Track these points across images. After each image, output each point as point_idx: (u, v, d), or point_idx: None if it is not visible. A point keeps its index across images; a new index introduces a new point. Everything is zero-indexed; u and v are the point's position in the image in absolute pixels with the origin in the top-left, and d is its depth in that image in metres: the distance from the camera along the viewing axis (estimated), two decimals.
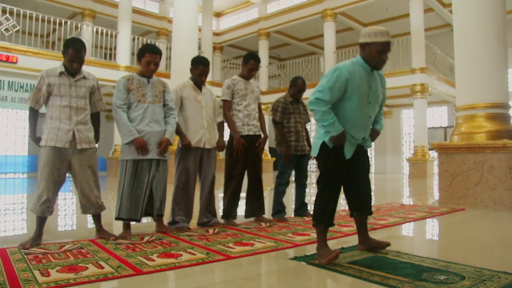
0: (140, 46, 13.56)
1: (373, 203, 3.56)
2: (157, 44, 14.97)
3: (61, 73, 3.33)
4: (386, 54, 2.72)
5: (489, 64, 5.78)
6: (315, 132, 2.95)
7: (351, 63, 2.79)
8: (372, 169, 20.54)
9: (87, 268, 2.49)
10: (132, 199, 3.54)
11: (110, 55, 13.89)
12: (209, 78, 16.03)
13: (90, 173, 3.44)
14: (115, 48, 13.83)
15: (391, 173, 18.54)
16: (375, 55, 2.71)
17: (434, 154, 13.94)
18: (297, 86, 4.73)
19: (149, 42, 14.56)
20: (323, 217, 2.81)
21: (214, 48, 18.63)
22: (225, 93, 4.33)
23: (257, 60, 4.36)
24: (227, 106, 4.33)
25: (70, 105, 3.32)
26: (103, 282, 2.27)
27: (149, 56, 3.59)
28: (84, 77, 3.46)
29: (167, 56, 14.62)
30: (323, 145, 2.82)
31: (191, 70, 4.15)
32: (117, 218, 3.58)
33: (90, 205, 3.45)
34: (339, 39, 16.67)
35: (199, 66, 4.08)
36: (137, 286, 2.26)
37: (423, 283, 2.24)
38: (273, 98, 17.63)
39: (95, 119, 3.63)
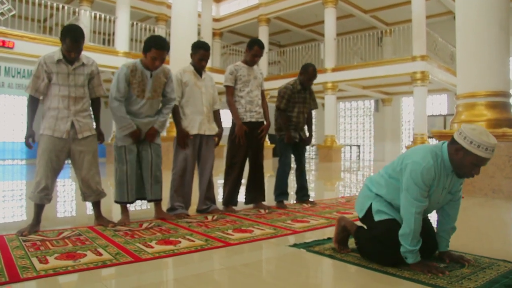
0: (139, 32, 13.37)
1: None
2: (156, 30, 14.87)
3: (59, 61, 3.21)
4: (479, 169, 2.20)
5: (490, 52, 5.73)
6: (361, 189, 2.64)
7: (435, 156, 2.24)
8: (371, 156, 20.57)
9: (85, 255, 2.49)
10: (121, 182, 3.58)
11: (109, 40, 13.78)
12: (208, 64, 15.92)
13: (90, 159, 3.40)
14: (113, 34, 13.72)
15: (390, 161, 18.48)
16: (468, 166, 2.17)
17: (433, 142, 13.94)
18: (308, 74, 4.66)
19: (147, 28, 14.45)
20: None
21: (214, 34, 18.49)
22: (228, 79, 4.29)
23: (261, 47, 4.31)
24: (230, 92, 4.29)
25: (69, 95, 3.25)
26: (101, 269, 2.26)
27: (155, 52, 3.42)
28: (83, 64, 3.33)
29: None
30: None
31: (192, 55, 4.09)
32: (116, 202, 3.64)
33: (91, 192, 3.42)
34: (340, 25, 16.53)
35: (200, 51, 4.02)
36: (136, 273, 2.25)
37: None
38: (273, 84, 17.54)
39: (95, 104, 3.54)
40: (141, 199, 3.75)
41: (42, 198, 3.20)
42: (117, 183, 3.58)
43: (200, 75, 4.11)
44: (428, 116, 14.57)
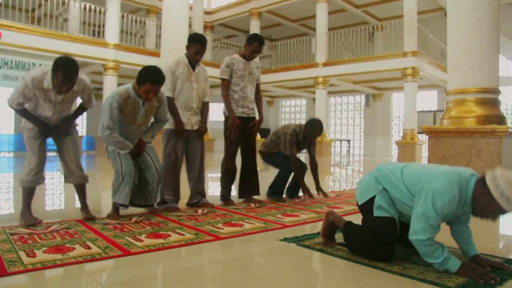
0: (129, 24, 13.24)
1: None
2: (147, 23, 14.74)
3: (48, 89, 3.05)
4: (496, 218, 2.12)
5: (481, 49, 5.76)
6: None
7: (460, 188, 2.11)
8: (361, 151, 20.66)
9: (74, 248, 2.46)
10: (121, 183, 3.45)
11: (99, 32, 13.64)
12: None
13: (71, 143, 3.37)
14: (103, 25, 13.57)
15: (380, 156, 18.64)
16: (488, 212, 2.09)
17: (423, 137, 14.03)
18: (315, 131, 4.57)
19: (138, 20, 14.32)
20: None
21: (205, 27, 18.38)
22: (223, 72, 4.24)
23: (262, 43, 4.26)
24: (225, 85, 4.25)
25: (52, 116, 3.23)
26: (90, 263, 2.25)
27: (149, 87, 3.25)
28: (73, 91, 3.18)
29: (157, 35, 14.40)
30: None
31: (187, 47, 4.04)
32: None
33: (71, 174, 3.38)
34: (332, 20, 16.51)
35: (196, 45, 3.97)
36: (125, 267, 2.24)
37: (412, 265, 2.25)
38: (264, 78, 17.49)
39: (79, 110, 3.45)
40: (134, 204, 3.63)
41: (36, 180, 3.19)
42: (116, 185, 3.44)
43: (194, 68, 4.07)
44: (418, 111, 14.64)
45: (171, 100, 3.93)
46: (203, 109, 4.20)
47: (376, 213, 2.34)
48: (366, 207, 2.43)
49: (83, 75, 3.21)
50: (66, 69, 2.91)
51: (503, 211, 2.03)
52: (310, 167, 4.71)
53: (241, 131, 4.26)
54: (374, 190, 2.41)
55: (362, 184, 2.53)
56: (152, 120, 3.66)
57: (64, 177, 3.43)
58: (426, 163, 6.06)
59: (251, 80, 4.35)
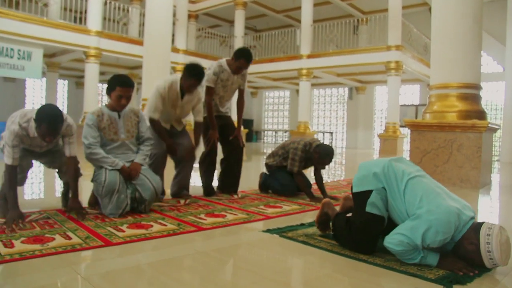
0: (112, 11, 13.02)
1: (343, 177, 3.53)
2: (130, 10, 14.51)
3: (33, 138, 2.92)
4: (471, 267, 2.08)
5: (464, 45, 5.82)
6: None
7: (455, 226, 2.08)
8: (344, 143, 20.79)
9: (54, 239, 2.42)
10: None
11: (80, 19, 13.36)
12: (183, 47, 15.74)
13: (59, 153, 3.28)
14: (85, 12, 13.30)
15: (362, 149, 18.79)
16: (467, 259, 2.10)
17: (405, 131, 14.17)
18: (322, 161, 4.26)
19: (121, 7, 14.08)
20: None
21: (189, 16, 18.15)
22: (210, 80, 4.11)
23: (248, 60, 4.11)
24: (210, 92, 4.13)
25: (40, 150, 3.14)
26: (70, 253, 2.21)
27: (120, 91, 3.16)
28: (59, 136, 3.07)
29: (141, 23, 14.19)
30: None
31: (182, 78, 3.81)
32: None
33: (64, 173, 3.30)
34: (316, 12, 16.47)
35: (192, 80, 3.74)
36: (106, 257, 2.21)
37: (394, 257, 2.26)
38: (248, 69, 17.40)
39: (69, 165, 3.16)
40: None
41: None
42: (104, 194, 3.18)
43: (183, 96, 3.88)
44: (401, 105, 14.78)
45: (156, 123, 3.77)
46: (196, 129, 4.08)
47: (368, 208, 2.30)
48: (360, 198, 2.37)
49: (68, 118, 3.02)
50: (50, 120, 2.71)
51: (481, 266, 2.06)
52: (315, 179, 4.49)
53: (219, 128, 4.24)
54: (373, 185, 2.33)
55: (363, 173, 2.41)
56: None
57: (58, 174, 3.37)
58: (408, 156, 6.10)
59: (232, 91, 4.32)
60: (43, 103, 17.72)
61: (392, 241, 2.14)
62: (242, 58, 4.09)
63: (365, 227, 2.32)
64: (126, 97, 3.23)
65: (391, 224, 2.34)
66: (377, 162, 2.42)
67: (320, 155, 4.18)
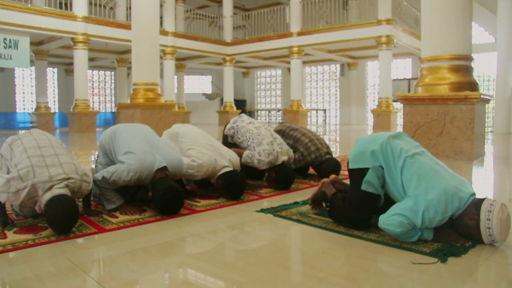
0: None
1: (338, 154, 3.51)
2: None
3: None
4: (469, 241, 2.10)
5: (455, 16, 5.76)
6: None
7: (452, 206, 2.08)
8: (337, 120, 20.79)
9: (46, 228, 2.40)
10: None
11: (66, 4, 13.13)
12: (171, 29, 15.54)
13: None
14: None
15: (356, 125, 18.80)
16: (466, 234, 2.11)
17: (398, 105, 14.17)
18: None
19: None
20: None
21: None
22: None
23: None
24: None
25: None
26: (64, 241, 2.19)
27: None
28: None
29: (127, 6, 13.97)
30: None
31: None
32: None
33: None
34: None
35: None
36: (100, 244, 2.20)
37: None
38: (238, 49, 17.30)
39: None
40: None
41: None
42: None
43: None
44: (393, 80, 14.74)
45: None
46: None
47: (364, 187, 2.28)
48: (356, 175, 2.35)
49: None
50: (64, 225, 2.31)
51: (479, 240, 2.07)
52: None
53: None
54: (369, 163, 2.30)
55: (360, 149, 2.37)
56: None
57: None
58: (402, 130, 6.10)
59: None
60: (33, 92, 17.51)
61: (391, 222, 2.11)
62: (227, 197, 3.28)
63: (360, 205, 2.32)
64: None
65: (386, 201, 2.34)
66: (375, 138, 2.38)
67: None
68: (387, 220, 2.12)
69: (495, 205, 2.02)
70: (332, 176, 2.81)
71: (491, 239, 2.03)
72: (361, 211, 2.33)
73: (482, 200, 2.08)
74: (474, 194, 2.14)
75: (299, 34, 15.30)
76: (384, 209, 2.24)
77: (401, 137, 2.43)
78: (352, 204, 2.35)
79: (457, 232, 2.15)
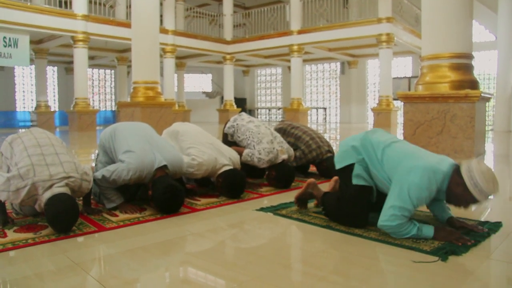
0: None
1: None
2: None
3: None
4: (468, 207, 2.17)
5: (455, 14, 5.74)
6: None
7: (434, 180, 2.11)
8: (337, 118, 20.78)
9: (46, 226, 2.39)
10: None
11: (66, 2, 13.12)
12: (171, 27, 15.52)
13: None
14: None
15: (356, 123, 18.79)
16: (461, 201, 2.13)
17: (398, 104, 14.15)
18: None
19: None
20: None
21: None
22: None
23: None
24: None
25: None
26: (64, 240, 2.19)
27: None
28: None
29: (127, 4, 13.95)
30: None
31: None
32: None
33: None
34: None
35: None
36: (100, 243, 2.20)
37: None
38: (237, 47, 17.27)
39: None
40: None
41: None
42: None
43: None
44: (393, 78, 14.72)
45: None
46: None
47: (355, 181, 2.34)
48: (344, 173, 2.42)
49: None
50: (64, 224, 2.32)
51: (476, 201, 2.07)
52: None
53: None
54: (353, 158, 2.39)
55: (343, 151, 2.49)
56: None
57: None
58: (402, 129, 6.10)
59: None
60: (33, 91, 17.53)
61: (385, 218, 2.13)
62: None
63: (355, 199, 2.34)
64: None
65: (380, 197, 2.36)
66: (354, 137, 2.50)
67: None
68: (382, 218, 2.16)
69: (471, 163, 2.07)
70: (335, 178, 2.82)
71: (484, 195, 2.03)
72: (357, 205, 2.34)
73: (459, 165, 2.11)
74: (453, 164, 2.17)
75: (299, 32, 15.28)
76: (378, 205, 2.29)
77: (377, 131, 2.53)
78: (346, 200, 2.37)
79: (454, 227, 2.19)
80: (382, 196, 2.33)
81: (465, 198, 2.08)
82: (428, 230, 2.12)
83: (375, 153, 2.34)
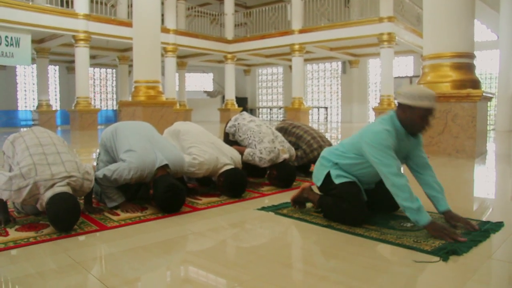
0: None
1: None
2: None
3: None
4: (428, 121, 2.31)
5: (457, 13, 5.74)
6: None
7: (386, 125, 2.34)
8: (339, 118, 20.76)
9: (48, 225, 2.40)
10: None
11: (67, 2, 13.12)
12: (173, 27, 15.52)
13: None
14: None
15: (357, 122, 18.76)
16: (418, 120, 2.28)
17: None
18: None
19: None
20: None
21: None
22: None
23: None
24: None
25: None
26: (65, 239, 2.19)
27: None
28: None
29: (129, 3, 13.95)
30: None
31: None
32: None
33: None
34: None
35: None
36: (101, 242, 2.20)
37: (390, 230, 2.27)
38: (239, 47, 17.27)
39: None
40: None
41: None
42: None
43: None
44: (395, 77, 14.70)
45: None
46: None
47: (338, 181, 2.48)
48: (326, 184, 2.56)
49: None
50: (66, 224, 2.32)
51: (427, 110, 2.26)
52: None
53: None
54: (326, 168, 2.56)
55: (316, 169, 2.67)
56: None
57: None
58: None
59: None
60: (35, 90, 17.59)
61: (391, 184, 2.23)
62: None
63: (347, 194, 2.41)
64: None
65: (377, 195, 2.54)
66: (318, 160, 2.72)
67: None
68: (388, 185, 2.27)
69: (400, 89, 2.38)
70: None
71: (427, 98, 2.24)
72: (352, 200, 2.38)
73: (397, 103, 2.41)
74: (391, 110, 2.44)
75: (301, 31, 15.27)
76: (374, 202, 2.50)
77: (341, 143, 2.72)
78: (341, 197, 2.43)
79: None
80: (376, 195, 2.50)
81: (418, 115, 2.27)
82: (425, 216, 2.16)
83: (337, 150, 2.57)
